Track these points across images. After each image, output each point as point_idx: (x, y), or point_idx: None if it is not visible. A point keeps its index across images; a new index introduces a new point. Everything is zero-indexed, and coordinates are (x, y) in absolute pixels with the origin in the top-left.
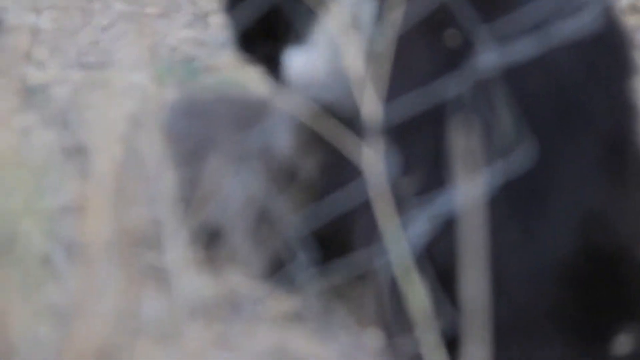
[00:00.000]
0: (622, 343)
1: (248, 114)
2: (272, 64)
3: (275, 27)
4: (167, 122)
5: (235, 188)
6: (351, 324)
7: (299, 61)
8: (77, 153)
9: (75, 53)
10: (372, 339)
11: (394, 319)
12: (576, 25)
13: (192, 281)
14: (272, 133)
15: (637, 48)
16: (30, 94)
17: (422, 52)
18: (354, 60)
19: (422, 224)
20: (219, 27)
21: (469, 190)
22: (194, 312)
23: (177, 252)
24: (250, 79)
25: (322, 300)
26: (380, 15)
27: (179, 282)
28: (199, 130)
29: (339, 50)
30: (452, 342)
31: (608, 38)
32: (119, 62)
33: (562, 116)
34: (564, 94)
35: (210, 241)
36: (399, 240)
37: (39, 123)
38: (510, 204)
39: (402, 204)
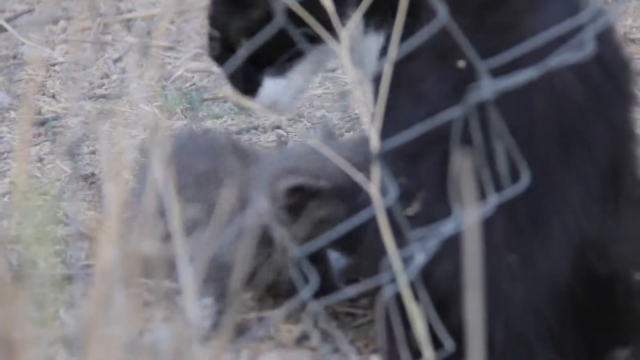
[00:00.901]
0: None
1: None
2: (250, 86)
3: (260, 55)
4: (172, 154)
5: (242, 216)
6: (357, 349)
7: (272, 87)
8: (90, 181)
9: (87, 85)
10: None
11: (397, 344)
12: (578, 53)
13: (201, 307)
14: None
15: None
16: (45, 125)
17: (427, 78)
18: (358, 92)
19: (423, 250)
20: None
21: (470, 216)
22: (203, 338)
23: (187, 278)
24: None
25: (328, 326)
26: (386, 45)
27: (188, 308)
28: (204, 161)
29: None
30: None
31: (610, 66)
32: (129, 94)
33: (562, 143)
34: (565, 121)
35: (218, 269)
36: (402, 266)
37: (53, 153)
38: (510, 230)
39: (405, 229)
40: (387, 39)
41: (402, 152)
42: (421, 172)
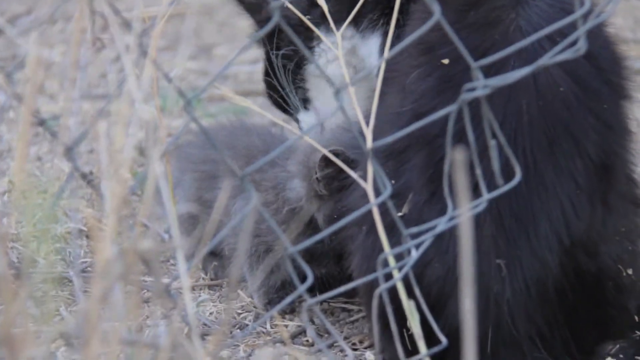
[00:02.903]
0: None
1: (265, 144)
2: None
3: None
4: (189, 147)
5: (241, 214)
6: (352, 345)
7: (306, 120)
8: (88, 180)
9: (85, 85)
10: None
11: (390, 340)
12: (571, 50)
13: (198, 302)
14: (287, 173)
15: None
16: (43, 125)
17: (411, 72)
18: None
19: (414, 246)
20: (221, 58)
21: (460, 212)
22: (200, 332)
23: (185, 274)
24: (251, 108)
25: (324, 322)
26: (383, 43)
27: (185, 303)
28: (214, 155)
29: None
30: None
31: (600, 60)
32: (126, 94)
33: (549, 138)
34: (552, 115)
35: (216, 264)
36: (394, 262)
37: (51, 152)
38: (497, 232)
39: (396, 226)
40: (384, 37)
41: (389, 150)
42: (408, 172)
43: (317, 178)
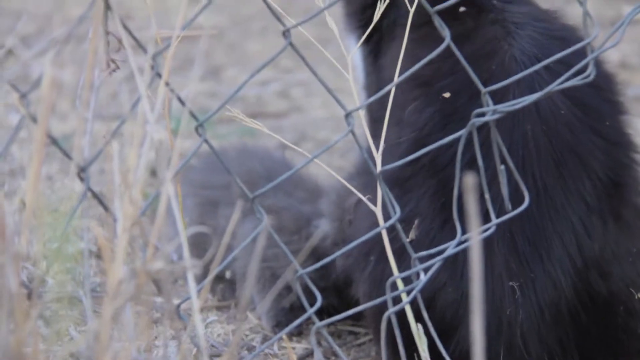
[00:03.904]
0: None
1: (272, 169)
2: None
3: None
4: (191, 171)
5: (249, 237)
6: None
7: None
8: (100, 200)
9: (96, 105)
10: None
11: None
12: (579, 77)
13: (207, 324)
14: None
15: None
16: (55, 144)
17: (407, 105)
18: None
19: (423, 270)
20: (230, 80)
21: (470, 237)
22: (208, 353)
23: (195, 295)
24: (259, 130)
25: (331, 344)
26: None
27: (194, 325)
28: (221, 180)
29: None
30: None
31: (597, 80)
32: (136, 114)
33: (557, 161)
34: (556, 139)
35: (225, 286)
36: (403, 286)
37: (61, 171)
38: (510, 255)
39: (405, 254)
40: (362, 51)
41: (394, 177)
42: (415, 200)
43: (349, 220)
